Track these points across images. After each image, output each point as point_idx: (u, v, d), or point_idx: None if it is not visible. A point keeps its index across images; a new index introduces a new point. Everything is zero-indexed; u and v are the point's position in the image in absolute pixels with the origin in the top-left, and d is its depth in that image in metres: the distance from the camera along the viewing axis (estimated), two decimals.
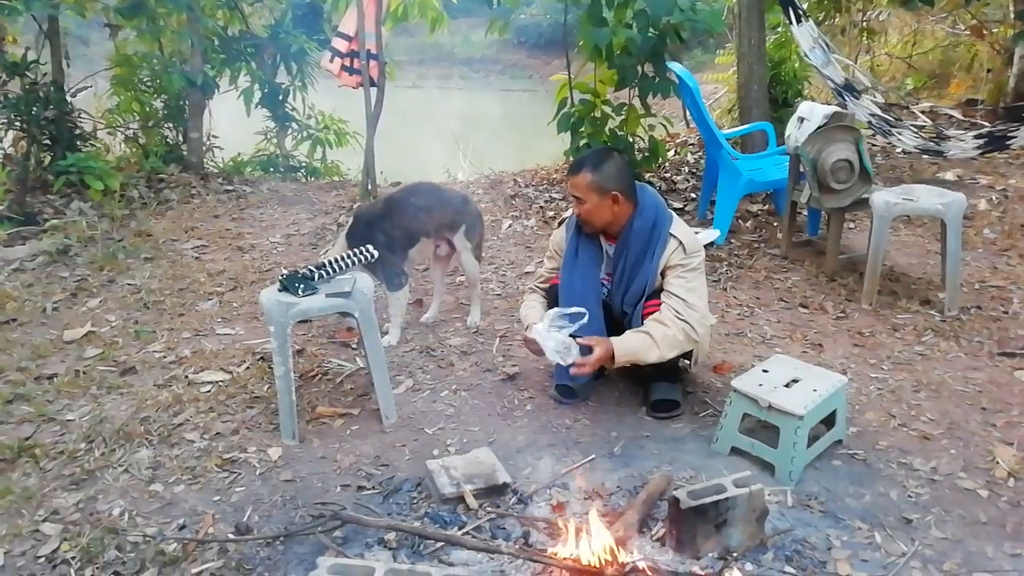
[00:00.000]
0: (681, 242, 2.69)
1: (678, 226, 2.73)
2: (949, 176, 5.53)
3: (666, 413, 2.76)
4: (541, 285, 3.03)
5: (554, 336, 2.57)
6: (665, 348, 2.61)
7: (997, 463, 2.46)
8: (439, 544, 2.09)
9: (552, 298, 2.90)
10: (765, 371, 2.57)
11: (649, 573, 1.84)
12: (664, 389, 2.79)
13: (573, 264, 2.83)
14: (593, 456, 2.52)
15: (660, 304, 2.67)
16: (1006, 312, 3.57)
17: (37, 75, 5.40)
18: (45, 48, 5.76)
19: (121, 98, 6.33)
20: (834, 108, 4.13)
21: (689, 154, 6.42)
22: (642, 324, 2.67)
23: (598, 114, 5.52)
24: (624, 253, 2.73)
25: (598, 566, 1.85)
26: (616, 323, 2.80)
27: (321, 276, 2.71)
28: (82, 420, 2.78)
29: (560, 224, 2.98)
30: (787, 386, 2.47)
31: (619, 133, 5.51)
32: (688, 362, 2.86)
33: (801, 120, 4.11)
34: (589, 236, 2.81)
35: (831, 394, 2.45)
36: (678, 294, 2.64)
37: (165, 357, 3.28)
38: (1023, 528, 2.18)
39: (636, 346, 2.61)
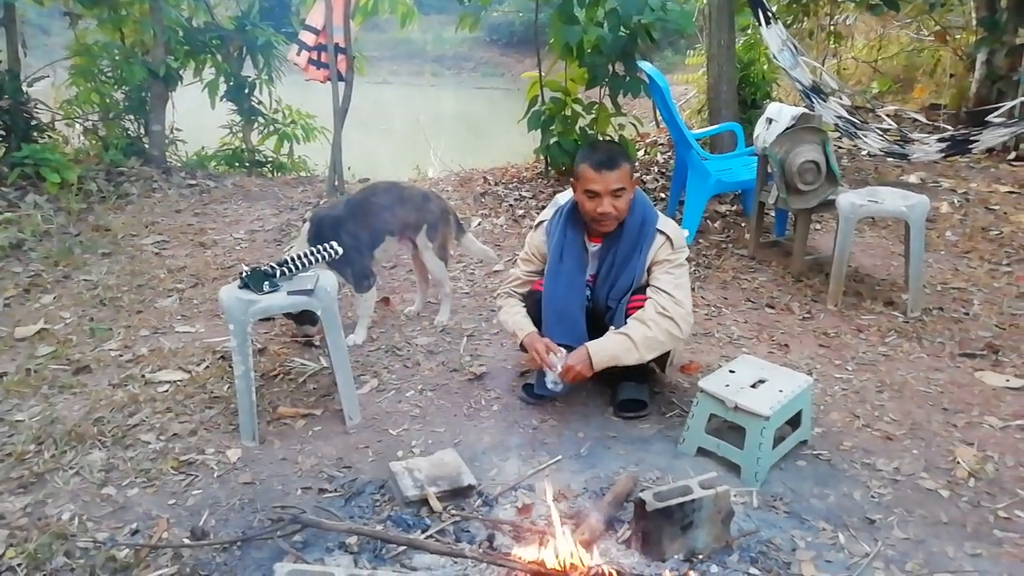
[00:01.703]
0: (668, 237, 2.69)
1: (664, 222, 2.73)
2: (912, 179, 5.62)
3: (633, 413, 2.75)
4: (518, 289, 2.94)
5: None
6: (645, 350, 2.60)
7: (958, 463, 2.48)
8: (401, 548, 2.04)
9: (533, 305, 2.83)
10: (732, 371, 2.57)
11: None
12: (631, 389, 2.77)
13: (558, 271, 2.75)
14: (560, 457, 2.50)
15: (645, 299, 2.65)
16: (967, 314, 3.62)
17: None
18: (1, 37, 5.58)
19: (80, 89, 6.17)
20: (802, 110, 4.16)
21: (659, 154, 6.44)
22: (625, 321, 2.64)
23: (568, 112, 5.52)
24: (613, 250, 2.70)
25: (563, 569, 1.82)
26: (598, 318, 2.76)
27: (283, 273, 2.65)
28: (32, 421, 2.68)
29: (537, 226, 2.90)
30: (753, 387, 2.47)
31: (589, 132, 5.51)
32: (653, 365, 2.84)
33: (769, 121, 4.13)
34: (575, 238, 2.75)
35: (797, 395, 2.46)
36: (665, 289, 2.63)
37: (121, 355, 3.19)
38: (983, 528, 2.20)
39: (615, 350, 2.59)
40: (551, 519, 1.97)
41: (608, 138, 5.55)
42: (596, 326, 2.72)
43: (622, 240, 2.68)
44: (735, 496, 2.25)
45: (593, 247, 2.77)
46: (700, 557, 2.01)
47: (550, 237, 2.80)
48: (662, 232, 2.69)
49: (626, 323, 2.63)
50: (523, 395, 2.87)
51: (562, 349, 2.64)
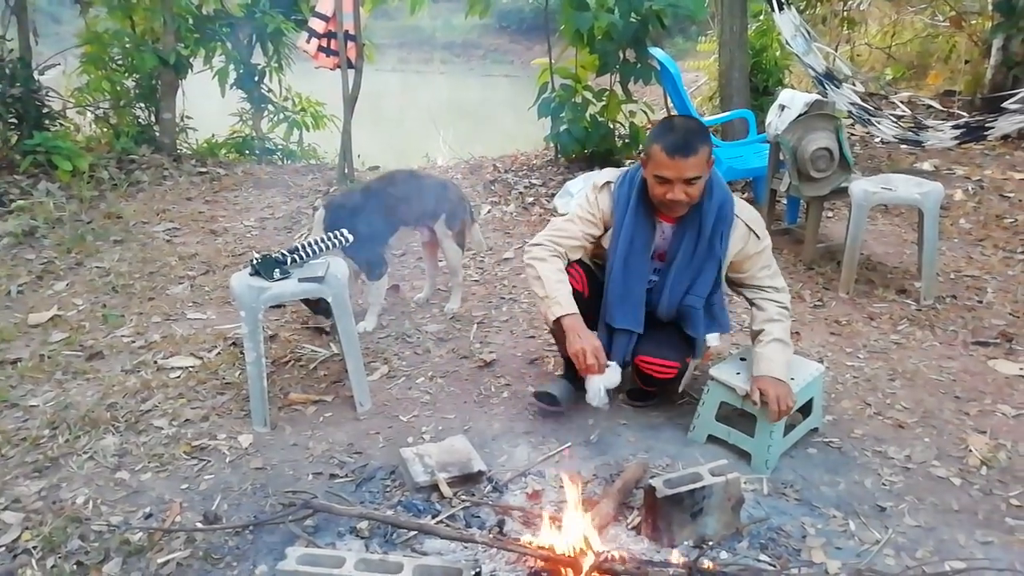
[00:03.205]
0: (750, 228, 2.45)
1: (741, 207, 2.48)
2: (926, 166, 5.56)
3: (642, 401, 2.74)
4: (569, 247, 2.51)
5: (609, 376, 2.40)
6: (790, 342, 2.45)
7: (970, 451, 2.47)
8: (412, 533, 2.05)
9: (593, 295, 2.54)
10: (743, 359, 2.56)
11: (624, 562, 1.82)
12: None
13: (628, 253, 2.46)
14: (569, 444, 2.50)
15: (661, 363, 2.51)
16: (980, 302, 3.59)
17: (3, 51, 5.26)
18: (12, 25, 5.60)
19: (91, 77, 6.18)
20: (815, 96, 4.12)
21: None
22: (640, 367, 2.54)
23: (579, 99, 5.49)
24: (694, 237, 2.43)
25: (573, 555, 1.83)
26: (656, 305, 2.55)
27: (294, 260, 2.65)
28: (46, 406, 2.71)
29: (603, 187, 2.52)
30: None
31: (600, 119, 5.47)
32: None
33: (782, 108, 4.10)
34: (645, 219, 2.45)
35: (808, 383, 2.45)
36: (771, 285, 2.49)
37: (133, 342, 3.21)
38: (995, 516, 2.19)
39: (782, 357, 2.39)
40: (564, 505, 1.97)
41: (612, 134, 5.49)
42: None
43: (702, 226, 2.41)
44: (745, 483, 2.25)
45: (664, 226, 2.48)
46: (710, 544, 2.01)
47: (617, 206, 2.48)
48: (742, 220, 2.44)
49: (764, 329, 2.43)
50: (538, 403, 2.67)
51: (612, 363, 2.41)
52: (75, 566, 1.97)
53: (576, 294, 2.47)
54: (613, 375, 2.41)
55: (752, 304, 2.53)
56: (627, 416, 2.69)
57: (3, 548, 2.04)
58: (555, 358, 3.03)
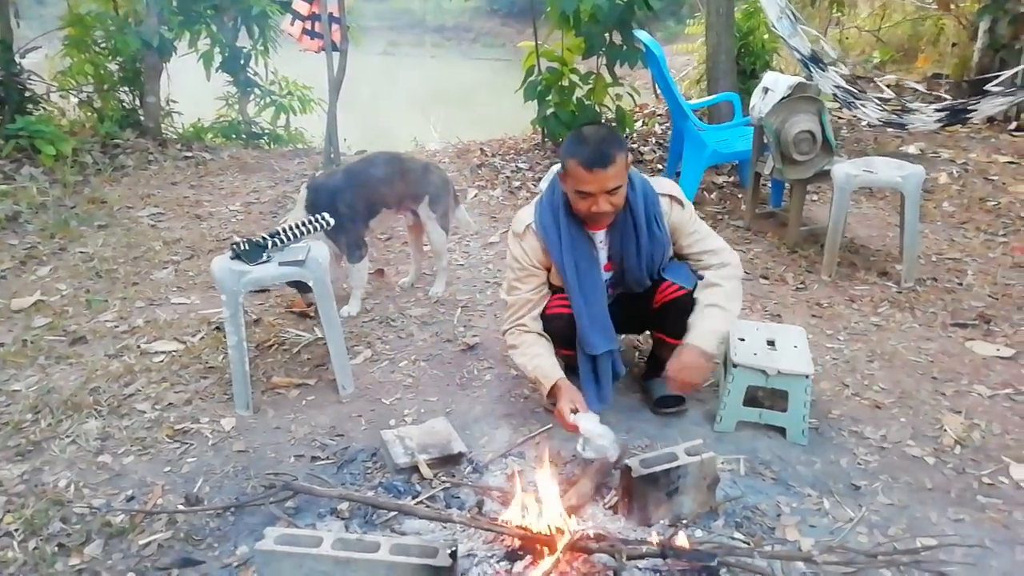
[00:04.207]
0: (673, 197, 2.45)
1: (660, 183, 2.48)
2: (911, 149, 5.58)
3: (674, 408, 2.61)
4: (530, 314, 2.48)
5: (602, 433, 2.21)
6: (734, 306, 2.43)
7: (945, 431, 2.50)
8: (392, 514, 2.08)
9: (562, 328, 2.48)
10: (742, 339, 2.56)
11: (599, 540, 1.84)
12: (664, 385, 2.54)
13: (580, 281, 2.42)
14: (550, 426, 2.52)
15: (670, 285, 2.48)
16: (960, 284, 3.62)
17: None
18: None
19: (74, 60, 6.10)
20: (798, 79, 4.12)
21: (656, 125, 6.40)
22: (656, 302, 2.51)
23: (565, 82, 5.46)
24: (632, 236, 2.41)
25: (549, 534, 1.85)
26: (628, 302, 2.57)
27: (275, 244, 2.65)
28: (29, 390, 2.72)
29: (524, 233, 2.45)
30: (773, 349, 2.51)
31: (586, 102, 5.46)
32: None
33: (766, 91, 4.10)
34: (579, 234, 2.41)
35: (807, 346, 2.54)
36: (704, 248, 2.48)
37: (117, 327, 3.21)
38: (967, 494, 2.23)
39: (718, 325, 2.38)
40: (539, 484, 1.99)
41: (600, 118, 5.46)
42: (625, 311, 2.58)
43: (636, 221, 2.39)
44: (721, 464, 2.28)
45: (598, 235, 2.46)
46: (685, 522, 2.04)
47: (548, 241, 2.41)
48: (665, 195, 2.44)
49: (699, 301, 2.41)
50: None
51: (592, 414, 2.27)
52: (57, 548, 1.99)
53: (569, 318, 2.46)
54: (593, 422, 2.23)
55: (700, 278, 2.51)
56: None
57: None
58: None
